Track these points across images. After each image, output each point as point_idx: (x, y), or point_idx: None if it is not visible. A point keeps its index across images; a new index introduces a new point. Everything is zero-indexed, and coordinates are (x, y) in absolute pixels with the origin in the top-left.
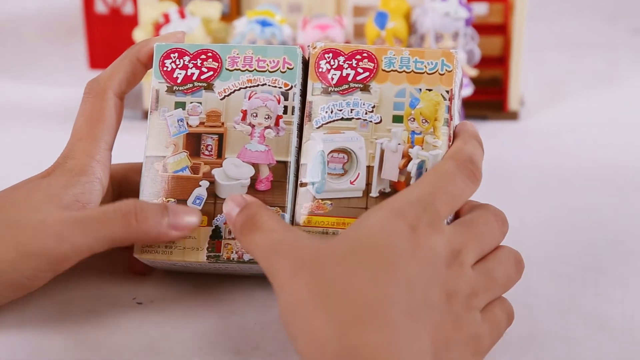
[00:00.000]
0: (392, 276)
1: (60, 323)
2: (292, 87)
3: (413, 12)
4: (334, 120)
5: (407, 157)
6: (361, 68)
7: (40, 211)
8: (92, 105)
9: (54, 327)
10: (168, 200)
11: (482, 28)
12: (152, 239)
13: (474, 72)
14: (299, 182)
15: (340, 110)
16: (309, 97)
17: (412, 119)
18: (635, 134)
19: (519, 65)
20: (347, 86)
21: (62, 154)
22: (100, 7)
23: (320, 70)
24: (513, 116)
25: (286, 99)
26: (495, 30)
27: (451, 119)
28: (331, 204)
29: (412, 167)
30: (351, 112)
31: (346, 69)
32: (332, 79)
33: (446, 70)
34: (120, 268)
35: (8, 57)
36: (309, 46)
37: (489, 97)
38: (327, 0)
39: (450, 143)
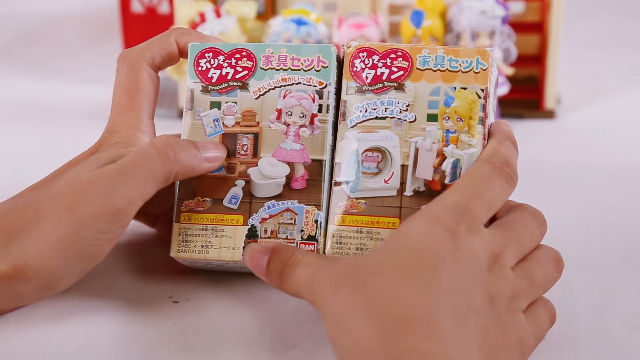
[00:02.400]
0: (434, 280)
1: (97, 319)
2: (326, 85)
3: (449, 10)
4: (368, 119)
5: (442, 156)
6: (395, 67)
7: (86, 174)
8: (126, 76)
9: (90, 323)
10: (204, 200)
11: (519, 26)
12: (189, 171)
13: (510, 71)
14: (333, 181)
15: (375, 109)
16: (343, 96)
17: (446, 118)
18: None
19: (556, 63)
20: (381, 85)
21: (106, 129)
22: (137, 7)
23: (354, 69)
24: (550, 115)
25: (321, 97)
26: (531, 28)
27: (486, 118)
28: (365, 203)
29: (446, 166)
30: (385, 110)
31: (380, 67)
32: (367, 77)
33: (481, 68)
34: (157, 266)
35: (45, 55)
36: (343, 45)
37: (526, 96)
38: None
39: (485, 142)
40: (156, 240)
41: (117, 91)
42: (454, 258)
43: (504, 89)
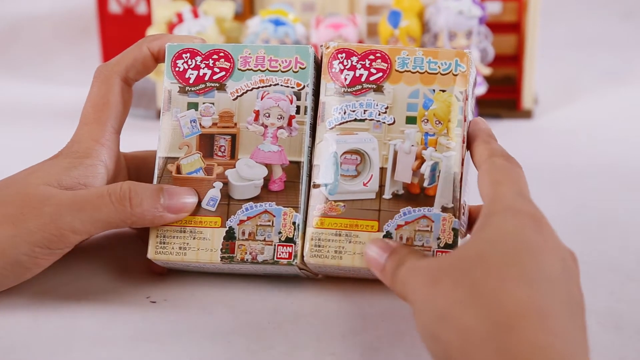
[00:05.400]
0: (540, 271)
1: (74, 320)
2: (304, 86)
3: (426, 10)
4: (347, 122)
5: (421, 159)
6: (374, 68)
7: (38, 190)
8: (98, 90)
9: (67, 324)
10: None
11: (496, 26)
12: (148, 223)
13: (487, 71)
14: (311, 184)
15: (354, 111)
16: (322, 98)
17: (425, 120)
18: None
19: (533, 63)
20: (360, 87)
21: (71, 139)
22: (114, 7)
23: (333, 70)
24: (527, 115)
25: (299, 98)
26: (509, 28)
27: (465, 120)
28: (344, 205)
29: (425, 169)
30: (364, 113)
31: (359, 69)
32: (346, 79)
33: (460, 70)
34: (135, 266)
35: (23, 56)
36: (321, 46)
37: (503, 96)
38: None
39: (464, 144)
40: (133, 240)
41: (87, 104)
42: (549, 248)
43: (482, 89)
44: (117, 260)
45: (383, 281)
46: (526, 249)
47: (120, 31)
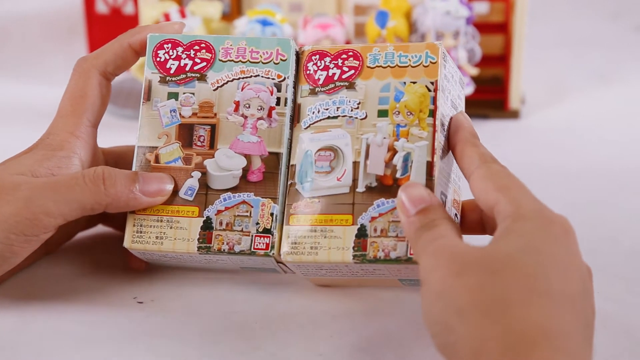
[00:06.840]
0: (563, 289)
1: (60, 321)
2: (285, 78)
3: (414, 11)
4: (320, 120)
5: (393, 150)
6: (347, 67)
7: (12, 178)
8: (75, 83)
9: (53, 325)
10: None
11: (483, 27)
12: (123, 205)
13: (474, 71)
14: (288, 183)
15: (327, 109)
16: (298, 100)
17: (397, 112)
18: (637, 131)
19: (520, 63)
20: (333, 85)
21: (46, 131)
22: (101, 7)
23: (308, 72)
24: (514, 115)
25: (279, 90)
26: (496, 28)
27: (436, 110)
28: (319, 201)
29: (397, 160)
30: (337, 110)
31: (332, 68)
32: (319, 79)
33: (430, 62)
34: (122, 267)
35: (10, 56)
36: (297, 51)
37: (490, 96)
38: None
39: (437, 132)
40: (119, 241)
41: (64, 96)
42: (574, 265)
43: (469, 89)
44: (104, 261)
45: (404, 228)
46: (555, 264)
47: (107, 31)
